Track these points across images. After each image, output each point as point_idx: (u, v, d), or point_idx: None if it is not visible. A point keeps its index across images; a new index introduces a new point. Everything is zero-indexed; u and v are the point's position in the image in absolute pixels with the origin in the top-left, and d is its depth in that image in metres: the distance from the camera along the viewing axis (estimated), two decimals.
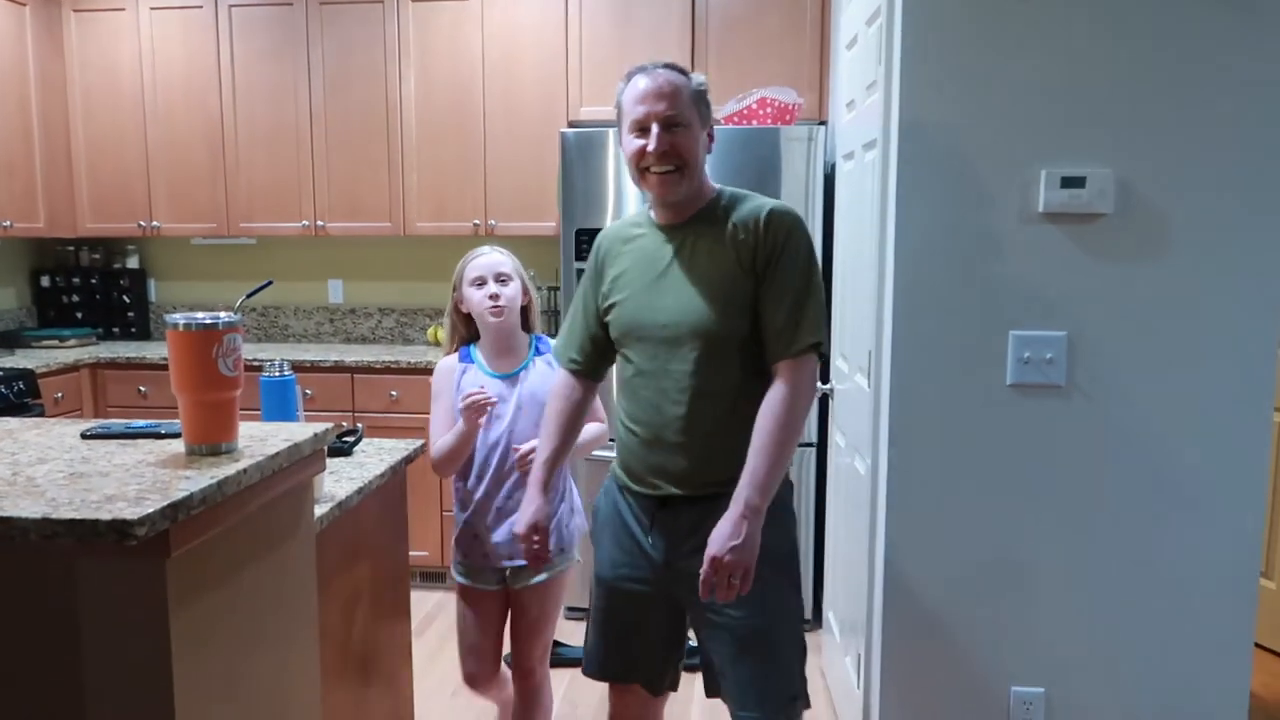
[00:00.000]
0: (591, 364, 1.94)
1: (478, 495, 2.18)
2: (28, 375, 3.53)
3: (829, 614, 3.08)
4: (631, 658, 1.90)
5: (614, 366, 1.94)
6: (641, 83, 1.74)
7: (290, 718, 1.56)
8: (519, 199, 4.01)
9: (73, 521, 1.12)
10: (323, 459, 1.61)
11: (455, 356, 2.22)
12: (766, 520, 1.68)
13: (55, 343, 4.17)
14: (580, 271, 3.53)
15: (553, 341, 2.08)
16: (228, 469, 1.32)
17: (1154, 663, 2.11)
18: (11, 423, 1.65)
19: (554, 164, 3.80)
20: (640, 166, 1.74)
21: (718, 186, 1.81)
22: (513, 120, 3.97)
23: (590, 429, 2.11)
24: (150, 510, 1.14)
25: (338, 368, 3.89)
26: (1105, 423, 2.06)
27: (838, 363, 2.88)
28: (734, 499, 1.65)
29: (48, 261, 4.58)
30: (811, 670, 3.15)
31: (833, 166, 3.26)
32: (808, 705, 1.83)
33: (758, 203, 1.76)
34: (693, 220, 1.78)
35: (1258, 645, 3.06)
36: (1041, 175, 2.02)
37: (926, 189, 2.06)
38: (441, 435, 2.17)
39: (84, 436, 1.53)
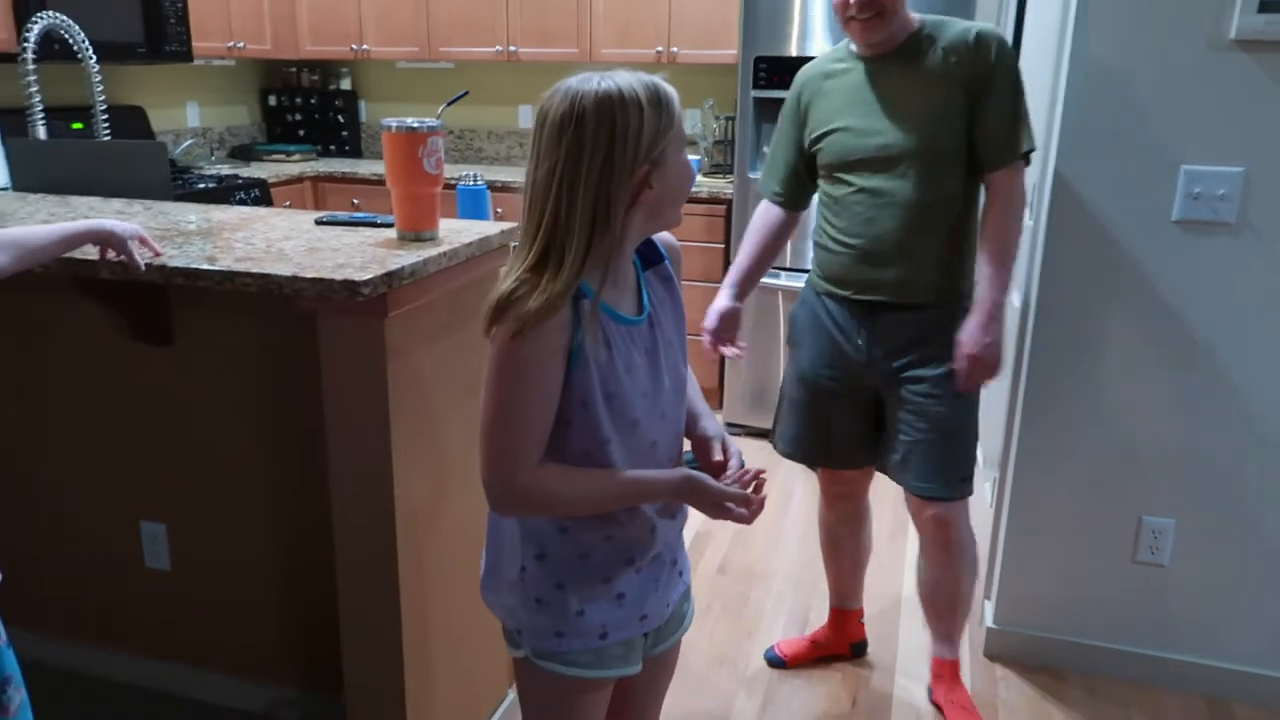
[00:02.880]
0: (793, 195, 2.11)
1: (631, 513, 1.23)
2: (262, 184, 4.00)
3: None
4: (829, 444, 2.13)
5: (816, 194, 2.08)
6: None
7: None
8: (701, 26, 4.04)
9: (314, 279, 1.41)
10: (509, 254, 1.85)
11: (564, 306, 1.10)
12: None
13: (282, 157, 4.65)
14: (758, 100, 3.60)
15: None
16: (430, 251, 1.58)
17: None
18: (260, 211, 1.99)
19: None
20: (845, 16, 1.86)
21: (918, 16, 1.90)
22: None
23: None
24: (372, 275, 1.41)
25: None
26: (1274, 263, 2.01)
27: None
28: (978, 303, 1.87)
29: (274, 82, 5.03)
30: None
31: None
32: (971, 491, 2.04)
33: (963, 25, 1.87)
34: (898, 50, 1.89)
35: None
36: None
37: (1107, 11, 1.99)
38: (538, 445, 1.15)
39: (317, 223, 1.84)
